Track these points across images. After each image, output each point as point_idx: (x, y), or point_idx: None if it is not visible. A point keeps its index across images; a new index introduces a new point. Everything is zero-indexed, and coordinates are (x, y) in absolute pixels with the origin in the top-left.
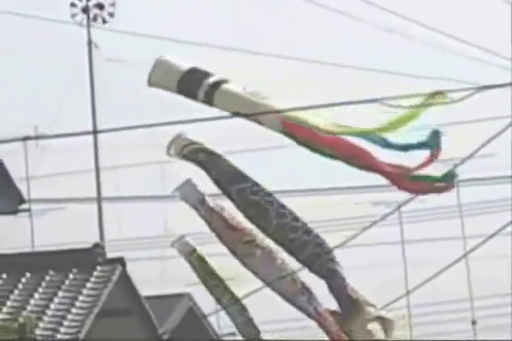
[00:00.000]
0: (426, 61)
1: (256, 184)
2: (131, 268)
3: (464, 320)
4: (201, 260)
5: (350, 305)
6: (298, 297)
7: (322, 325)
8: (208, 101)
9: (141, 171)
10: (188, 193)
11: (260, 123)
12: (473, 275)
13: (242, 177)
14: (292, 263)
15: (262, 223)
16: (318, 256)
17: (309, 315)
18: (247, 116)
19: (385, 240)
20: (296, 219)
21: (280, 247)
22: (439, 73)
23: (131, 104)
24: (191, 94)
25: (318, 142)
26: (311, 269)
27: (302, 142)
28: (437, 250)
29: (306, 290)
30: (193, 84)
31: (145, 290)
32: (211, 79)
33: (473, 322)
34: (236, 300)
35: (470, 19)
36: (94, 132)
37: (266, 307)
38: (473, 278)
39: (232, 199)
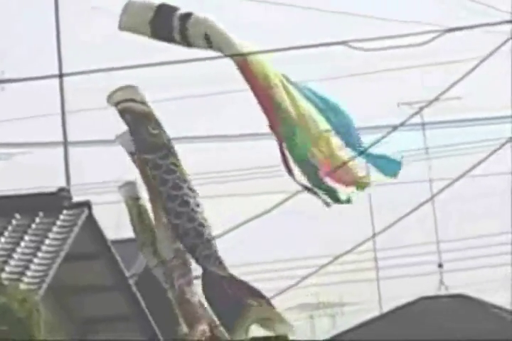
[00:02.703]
0: (393, 3)
1: (164, 157)
2: (96, 213)
3: (430, 263)
4: (141, 210)
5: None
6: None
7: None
8: (182, 31)
9: (106, 115)
10: (128, 142)
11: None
12: (439, 218)
13: (154, 148)
14: None
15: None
16: (196, 246)
17: (170, 287)
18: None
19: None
20: (186, 203)
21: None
22: (406, 15)
23: (101, 48)
24: (164, 30)
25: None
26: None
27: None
28: (404, 193)
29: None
30: (164, 18)
31: (110, 234)
32: (181, 11)
33: (440, 265)
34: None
35: None
36: (60, 76)
37: None
38: (440, 221)
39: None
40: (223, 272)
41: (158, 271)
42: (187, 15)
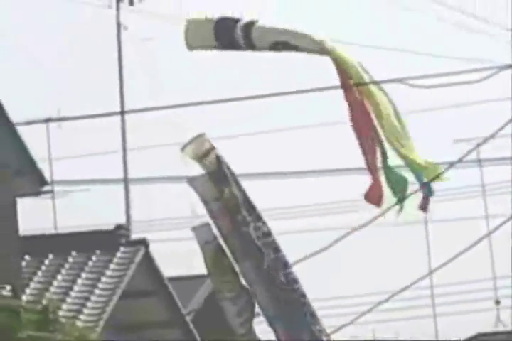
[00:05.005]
0: (448, 40)
1: (259, 217)
2: (158, 249)
3: (487, 300)
4: (218, 252)
5: None
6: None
7: None
8: (247, 38)
9: (168, 151)
10: (202, 187)
11: (300, 49)
12: (496, 254)
13: (253, 206)
14: None
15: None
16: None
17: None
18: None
19: (409, 220)
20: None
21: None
22: (461, 52)
23: (163, 83)
24: (230, 39)
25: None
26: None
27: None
28: (460, 229)
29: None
30: (228, 28)
31: (171, 271)
32: (243, 21)
33: (497, 302)
34: (240, 296)
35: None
36: (122, 113)
37: None
38: (497, 258)
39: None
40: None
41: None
42: (250, 24)
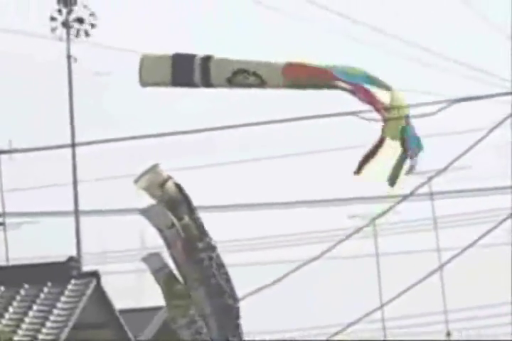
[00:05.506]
0: (401, 73)
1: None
2: (109, 281)
3: (438, 333)
4: (170, 278)
5: None
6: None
7: None
8: (204, 73)
9: (120, 183)
10: (156, 216)
11: (262, 83)
12: (448, 287)
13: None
14: None
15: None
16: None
17: None
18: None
19: (360, 253)
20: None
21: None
22: (413, 86)
23: (116, 115)
24: (186, 76)
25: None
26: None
27: (306, 84)
28: (412, 262)
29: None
30: (185, 64)
31: (122, 303)
32: (200, 55)
33: (448, 334)
34: (193, 322)
35: (442, 31)
36: (73, 145)
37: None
38: (448, 291)
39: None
40: None
41: None
42: (207, 58)
